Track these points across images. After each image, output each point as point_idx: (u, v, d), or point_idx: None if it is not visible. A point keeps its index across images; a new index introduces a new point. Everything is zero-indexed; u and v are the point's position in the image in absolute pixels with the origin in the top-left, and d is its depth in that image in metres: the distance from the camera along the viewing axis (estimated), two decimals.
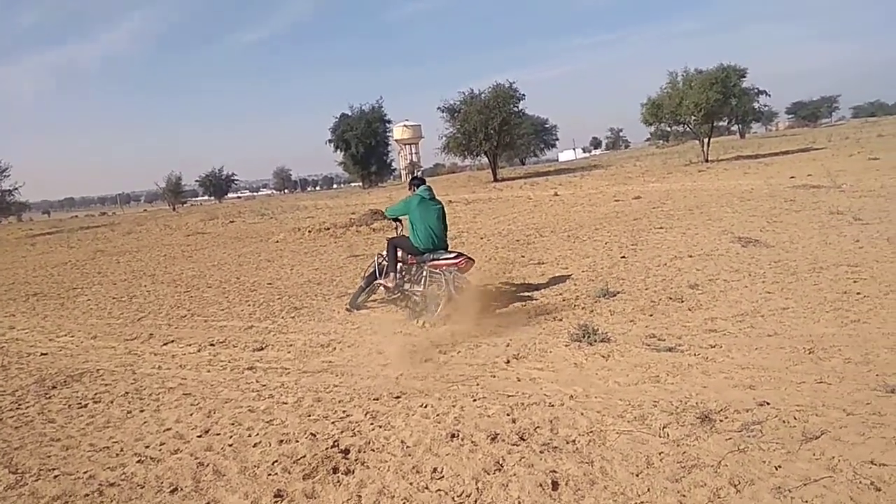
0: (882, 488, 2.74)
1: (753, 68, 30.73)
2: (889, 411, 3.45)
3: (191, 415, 4.57)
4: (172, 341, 6.89)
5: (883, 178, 15.09)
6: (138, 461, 3.83)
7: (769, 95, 32.73)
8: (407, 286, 7.12)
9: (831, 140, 37.53)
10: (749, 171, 23.04)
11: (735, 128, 52.51)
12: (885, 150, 23.58)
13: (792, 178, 18.09)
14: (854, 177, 16.10)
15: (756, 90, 31.91)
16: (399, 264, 7.21)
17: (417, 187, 7.30)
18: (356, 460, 3.56)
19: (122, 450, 4.04)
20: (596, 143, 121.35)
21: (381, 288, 7.47)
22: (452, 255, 6.85)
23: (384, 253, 7.46)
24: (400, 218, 7.55)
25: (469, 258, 6.90)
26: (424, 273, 6.93)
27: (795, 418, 3.49)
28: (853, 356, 4.42)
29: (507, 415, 3.98)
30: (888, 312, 5.30)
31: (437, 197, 7.29)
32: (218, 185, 74.33)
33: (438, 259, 6.83)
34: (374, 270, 7.48)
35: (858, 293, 5.95)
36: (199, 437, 4.15)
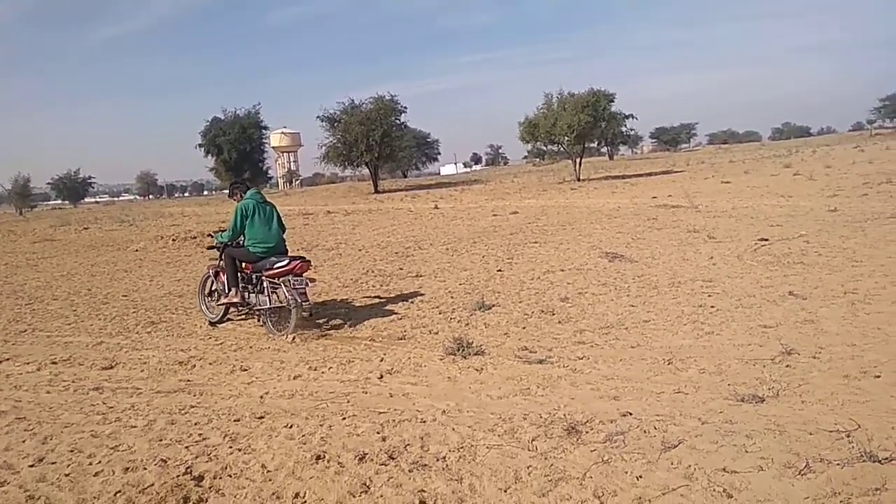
0: (734, 495, 2.85)
1: (621, 93, 32.62)
2: (739, 419, 3.64)
3: (23, 441, 4.04)
4: (8, 359, 6.16)
5: (734, 200, 16.45)
6: None
7: (636, 119, 34.96)
8: (252, 298, 6.76)
9: (689, 164, 40.70)
10: (616, 190, 24.43)
11: (605, 149, 55.41)
12: (735, 175, 25.80)
13: (654, 197, 19.32)
14: (709, 198, 17.45)
15: (623, 115, 33.92)
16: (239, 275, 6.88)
17: (244, 192, 7.03)
18: (210, 487, 3.28)
19: None
20: (476, 159, 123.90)
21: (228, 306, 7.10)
22: (284, 261, 6.51)
23: (221, 264, 7.09)
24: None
25: (304, 259, 6.62)
26: (265, 284, 6.59)
27: (655, 428, 3.60)
28: (707, 367, 4.68)
29: (378, 433, 3.83)
30: (738, 325, 5.68)
31: (267, 200, 7.05)
32: (73, 188, 68.53)
33: (272, 268, 6.50)
34: (211, 284, 7.23)
35: (712, 307, 6.36)
36: (32, 466, 3.66)
